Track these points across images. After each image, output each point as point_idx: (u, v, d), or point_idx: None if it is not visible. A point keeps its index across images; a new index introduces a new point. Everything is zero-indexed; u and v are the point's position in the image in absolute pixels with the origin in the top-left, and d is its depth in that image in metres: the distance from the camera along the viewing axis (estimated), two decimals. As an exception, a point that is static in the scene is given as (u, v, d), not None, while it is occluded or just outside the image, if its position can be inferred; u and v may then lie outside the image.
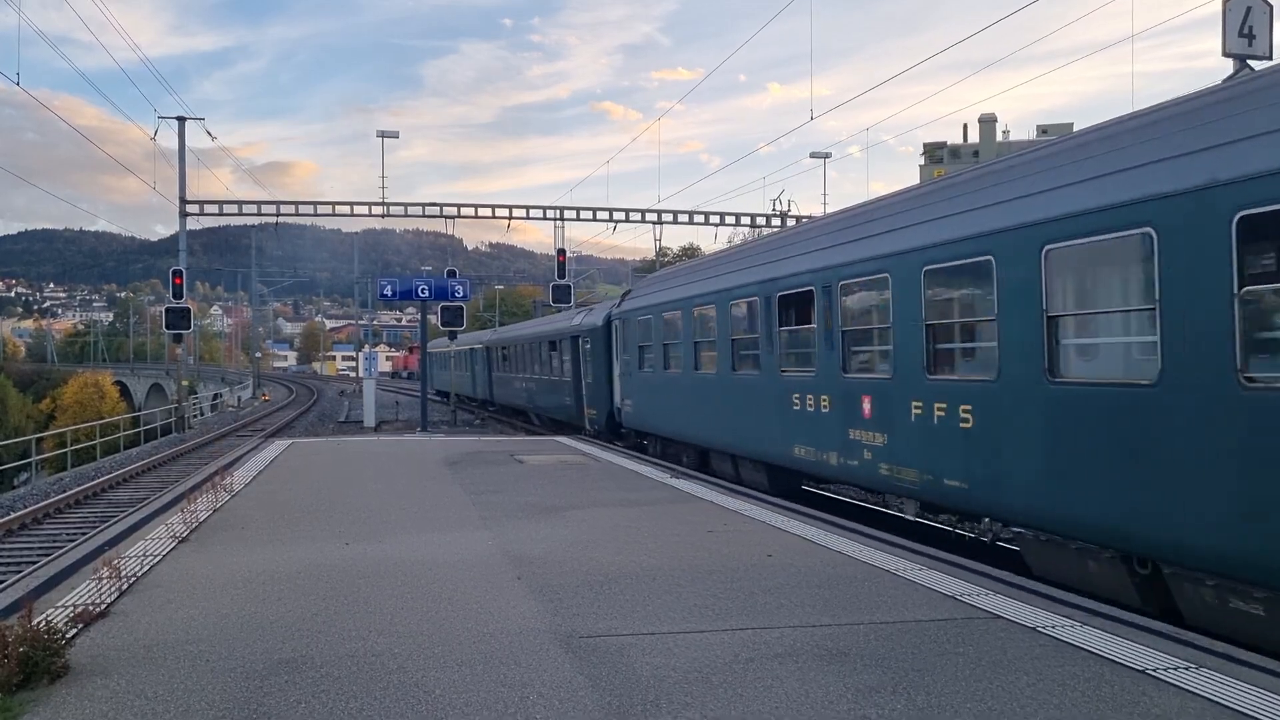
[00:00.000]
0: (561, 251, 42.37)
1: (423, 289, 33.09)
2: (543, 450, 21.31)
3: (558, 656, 6.18)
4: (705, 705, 5.30)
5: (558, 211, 41.42)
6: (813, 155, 42.39)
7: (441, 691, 5.54)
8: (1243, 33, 12.01)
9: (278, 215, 39.51)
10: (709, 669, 5.91)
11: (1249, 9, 11.98)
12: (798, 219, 42.55)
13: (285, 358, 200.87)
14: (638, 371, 21.77)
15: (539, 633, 6.73)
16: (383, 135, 38.58)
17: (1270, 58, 12.15)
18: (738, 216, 43.19)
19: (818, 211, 42.90)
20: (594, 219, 41.97)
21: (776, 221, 42.78)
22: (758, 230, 42.05)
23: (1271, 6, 12.23)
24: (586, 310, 29.79)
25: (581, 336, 28.08)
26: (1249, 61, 12.04)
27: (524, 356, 37.55)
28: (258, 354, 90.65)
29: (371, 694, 5.50)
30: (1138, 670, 5.85)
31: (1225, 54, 12.15)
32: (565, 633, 6.72)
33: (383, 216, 40.35)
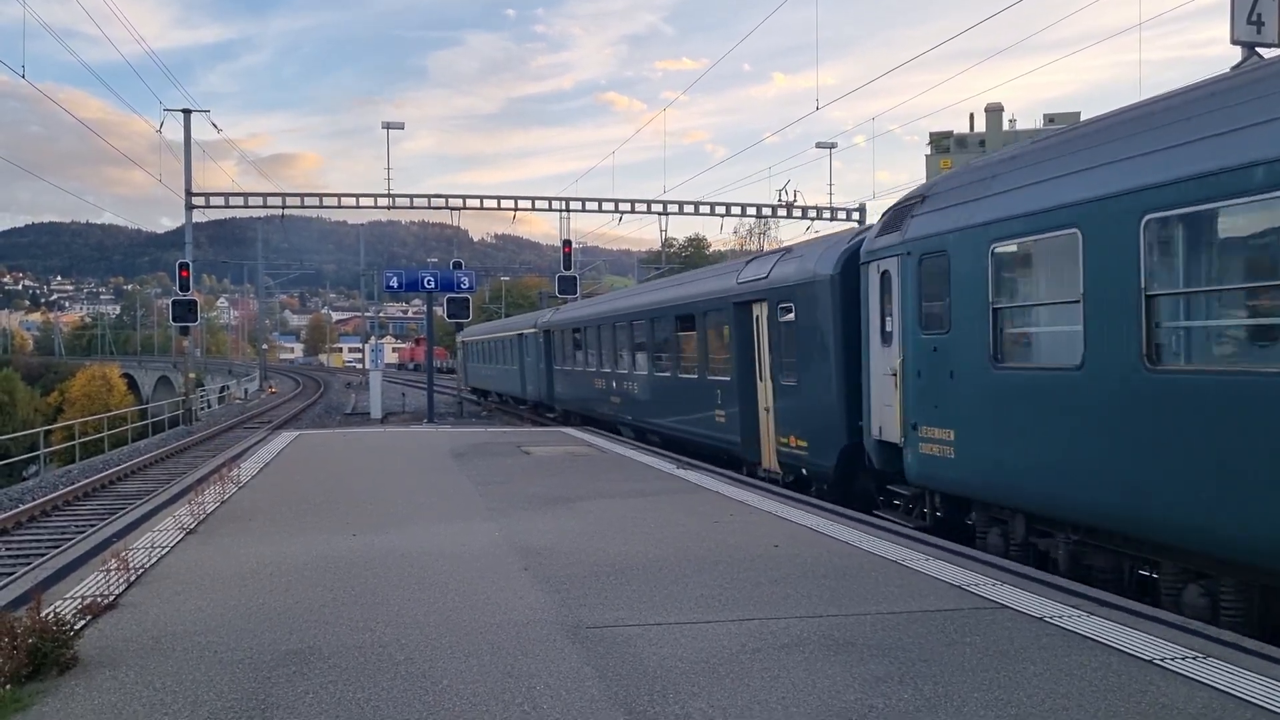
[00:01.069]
0: (567, 243, 42.39)
1: (428, 280, 33.20)
2: (549, 441, 21.32)
3: (565, 647, 6.19)
4: (712, 695, 5.30)
5: (563, 203, 41.37)
6: (818, 145, 42.27)
7: (449, 682, 5.55)
8: (1251, 20, 11.94)
9: (283, 207, 39.48)
10: (716, 659, 5.92)
11: (1258, -4, 11.91)
12: (804, 210, 42.52)
13: (291, 350, 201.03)
14: (988, 368, 9.93)
15: (546, 623, 6.74)
16: (388, 126, 38.56)
17: (1279, 45, 12.11)
18: (744, 207, 43.18)
19: (824, 202, 42.83)
20: (599, 210, 41.91)
21: (783, 212, 42.77)
22: (763, 221, 41.96)
23: (1280, -7, 12.15)
24: (774, 256, 16.94)
25: (768, 302, 16.00)
26: (1258, 49, 11.99)
27: (619, 341, 24.95)
28: (264, 346, 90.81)
29: (379, 685, 5.51)
30: (1145, 660, 5.84)
31: (1233, 42, 12.09)
32: (572, 623, 6.73)
33: (388, 208, 40.33)
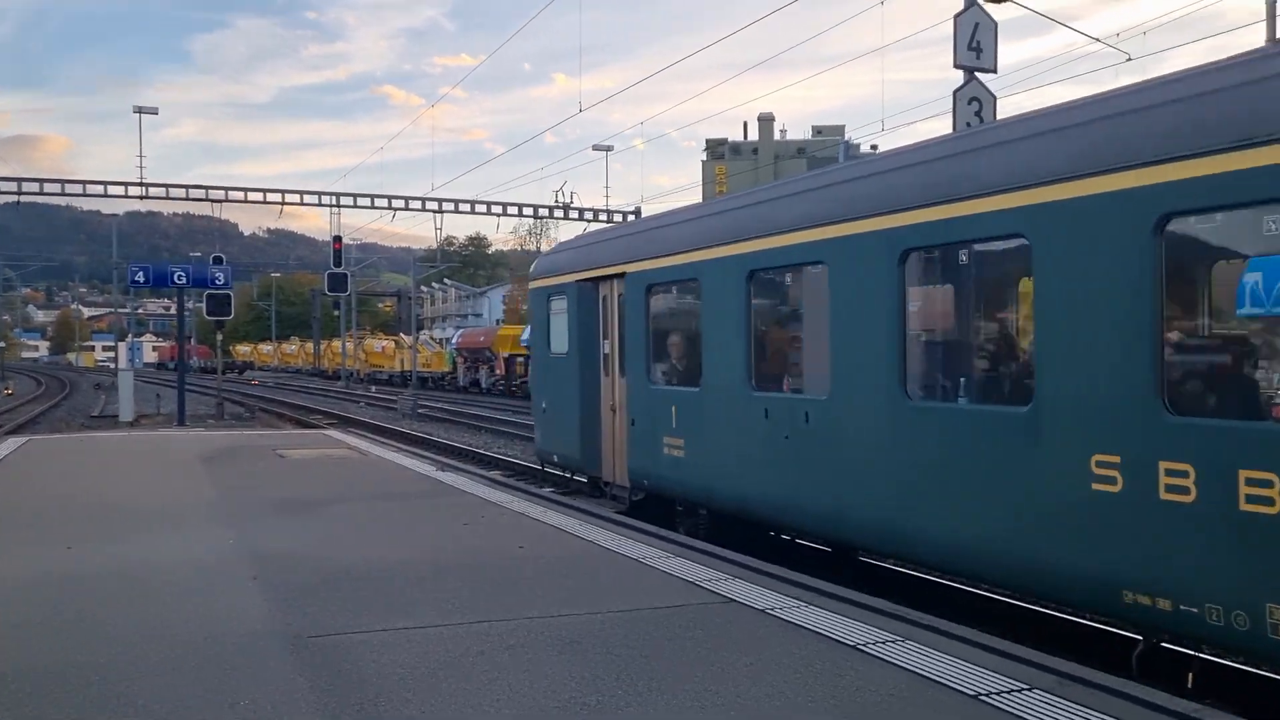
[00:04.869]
0: (338, 239, 41.20)
1: (179, 275, 31.08)
2: (308, 444, 20.55)
3: (281, 659, 5.94)
4: (425, 700, 5.21)
5: (333, 197, 40.07)
6: (594, 148, 42.72)
7: (145, 701, 5.21)
8: (971, 46, 12.96)
9: (19, 193, 36.44)
10: (438, 664, 5.82)
11: (976, 25, 12.95)
12: (580, 213, 42.86)
13: (36, 347, 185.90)
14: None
15: (265, 634, 6.45)
16: (140, 111, 36.23)
17: (995, 70, 13.21)
18: (520, 207, 43.17)
19: (600, 205, 43.29)
20: (372, 206, 40.86)
21: (559, 213, 42.97)
22: (542, 223, 42.02)
23: (996, 23, 13.28)
24: None
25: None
26: (976, 73, 13.02)
27: None
28: (2, 344, 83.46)
29: (62, 710, 5.10)
30: (850, 645, 6.17)
31: (956, 66, 13.09)
32: (294, 633, 6.47)
33: (142, 198, 37.95)
